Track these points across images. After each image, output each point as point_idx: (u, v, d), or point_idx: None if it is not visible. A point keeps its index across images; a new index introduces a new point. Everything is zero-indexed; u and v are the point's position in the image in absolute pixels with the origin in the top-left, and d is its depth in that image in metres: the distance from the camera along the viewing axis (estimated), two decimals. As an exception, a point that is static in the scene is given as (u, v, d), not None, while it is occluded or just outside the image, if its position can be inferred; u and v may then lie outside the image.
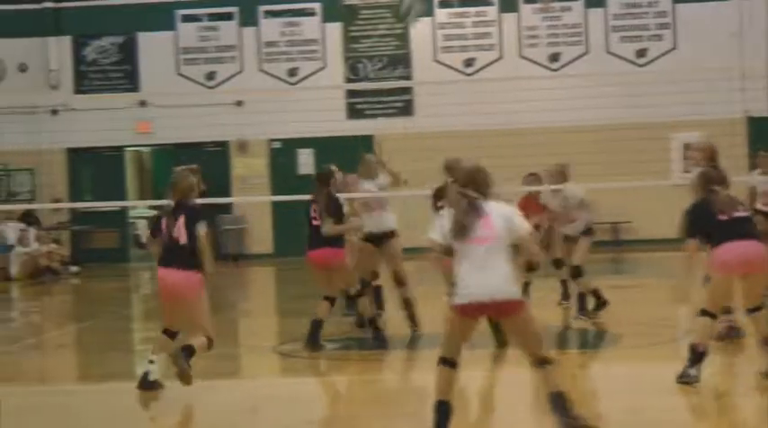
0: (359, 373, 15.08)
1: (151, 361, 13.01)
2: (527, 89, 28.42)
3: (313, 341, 15.38)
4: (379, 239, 16.77)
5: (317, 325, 15.36)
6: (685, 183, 15.23)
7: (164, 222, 12.76)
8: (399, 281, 16.79)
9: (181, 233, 12.59)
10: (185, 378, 12.34)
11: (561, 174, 18.76)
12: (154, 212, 32.61)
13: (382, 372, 15.49)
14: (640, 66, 31.24)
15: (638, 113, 27.71)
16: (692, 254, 12.76)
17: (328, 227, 15.58)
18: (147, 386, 13.03)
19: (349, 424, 12.20)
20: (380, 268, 17.01)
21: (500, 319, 10.48)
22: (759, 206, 18.42)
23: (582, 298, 17.46)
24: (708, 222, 12.55)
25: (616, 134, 27.41)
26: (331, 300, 15.65)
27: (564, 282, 18.68)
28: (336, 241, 15.71)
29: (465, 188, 10.13)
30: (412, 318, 16.80)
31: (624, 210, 28.46)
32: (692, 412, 12.43)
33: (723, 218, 12.56)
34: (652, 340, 15.86)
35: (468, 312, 9.93)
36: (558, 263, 18.61)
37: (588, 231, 17.72)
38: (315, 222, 15.84)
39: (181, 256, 12.63)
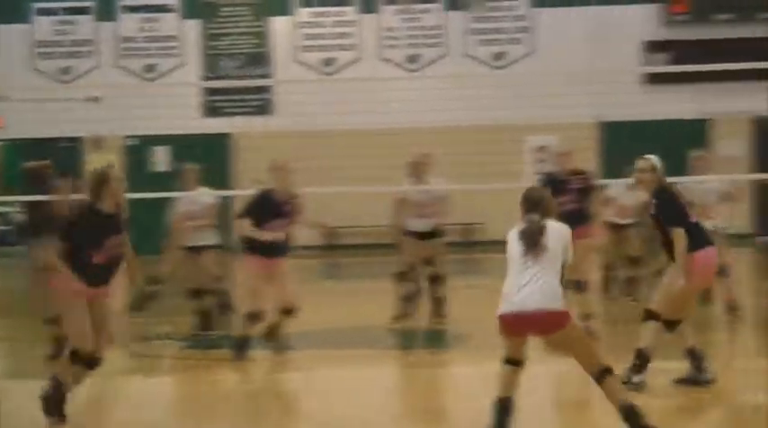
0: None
1: None
2: (386, 90, 28.32)
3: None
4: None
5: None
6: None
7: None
8: None
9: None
10: None
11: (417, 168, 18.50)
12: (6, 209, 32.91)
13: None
14: (498, 69, 31.46)
15: (494, 116, 27.36)
16: None
17: None
18: None
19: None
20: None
21: None
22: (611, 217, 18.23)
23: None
24: None
25: (472, 136, 27.64)
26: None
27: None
28: None
29: None
30: None
31: (478, 212, 28.61)
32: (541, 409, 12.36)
33: None
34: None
35: None
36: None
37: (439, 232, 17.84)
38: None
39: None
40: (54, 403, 11.72)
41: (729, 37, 30.56)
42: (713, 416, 12.57)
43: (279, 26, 32.16)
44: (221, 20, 32.14)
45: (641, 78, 30.57)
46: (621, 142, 28.53)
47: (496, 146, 27.09)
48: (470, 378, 14.04)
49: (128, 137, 30.93)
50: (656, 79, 30.29)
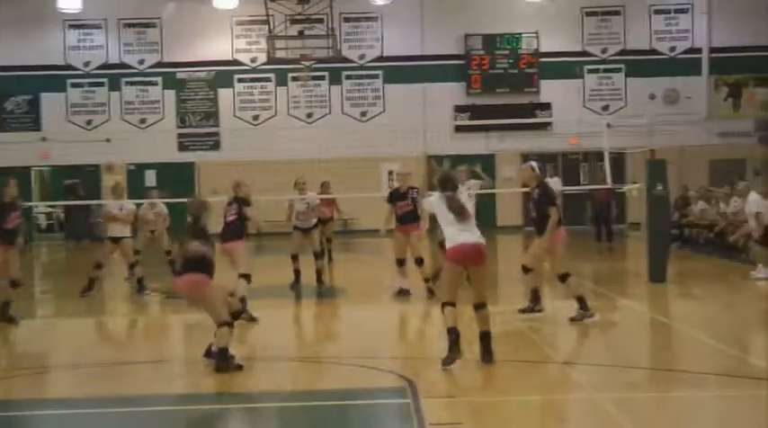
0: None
1: None
2: (292, 135, 29.21)
3: None
4: None
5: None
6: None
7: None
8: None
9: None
10: None
11: (324, 186, 20.56)
12: (50, 210, 33.53)
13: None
14: (363, 122, 31.83)
15: (361, 151, 27.37)
16: None
17: None
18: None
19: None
20: None
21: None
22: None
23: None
24: None
25: (348, 164, 27.03)
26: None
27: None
28: None
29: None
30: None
31: (353, 211, 28.26)
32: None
33: None
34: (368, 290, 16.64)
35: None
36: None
37: (317, 225, 17.66)
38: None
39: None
40: None
41: (506, 103, 31.44)
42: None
43: (224, 94, 32.18)
44: (188, 90, 32.17)
45: (452, 128, 31.04)
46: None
47: (362, 170, 27.16)
48: (347, 315, 14.59)
49: (129, 164, 31.23)
50: (460, 128, 30.94)
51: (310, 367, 10.36)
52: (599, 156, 22.68)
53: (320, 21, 29.48)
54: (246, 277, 13.39)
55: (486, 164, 29.33)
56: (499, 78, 32.13)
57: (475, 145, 30.80)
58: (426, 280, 15.47)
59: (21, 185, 29.84)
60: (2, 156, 30.43)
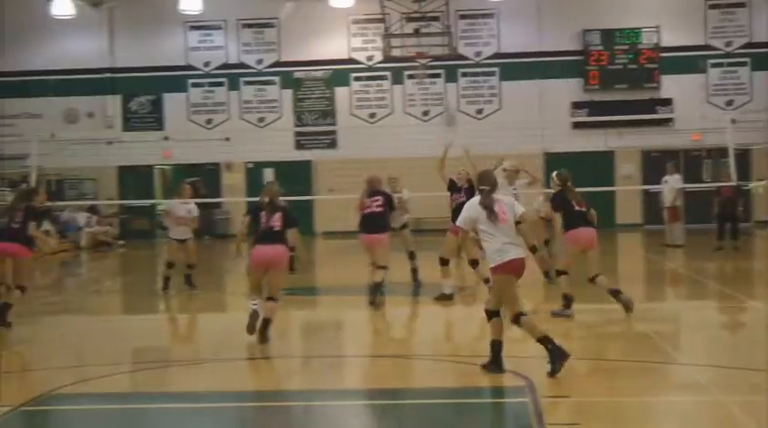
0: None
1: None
2: (409, 133, 29.15)
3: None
4: None
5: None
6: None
7: (263, 215, 11.70)
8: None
9: (276, 222, 11.51)
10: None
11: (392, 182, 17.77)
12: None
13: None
14: (479, 119, 31.60)
15: (477, 149, 26.41)
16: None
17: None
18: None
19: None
20: None
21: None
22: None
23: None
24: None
25: (463, 162, 26.34)
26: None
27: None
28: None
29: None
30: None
31: None
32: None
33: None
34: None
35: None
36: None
37: (405, 225, 16.93)
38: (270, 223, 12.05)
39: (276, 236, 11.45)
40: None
41: (625, 99, 30.75)
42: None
43: (340, 93, 32.26)
44: (305, 89, 32.33)
45: (570, 124, 30.74)
46: (558, 165, 30.57)
47: (482, 166, 26.82)
48: (451, 314, 14.06)
49: (248, 162, 31.58)
50: (578, 125, 30.56)
51: (425, 365, 10.34)
52: (723, 152, 22.17)
53: (436, 18, 29.40)
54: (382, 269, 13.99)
55: (604, 162, 30.43)
56: (618, 74, 31.62)
57: (593, 142, 30.61)
58: (486, 281, 14.13)
59: (144, 183, 31.67)
60: (126, 155, 31.47)
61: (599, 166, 29.89)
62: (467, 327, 13.00)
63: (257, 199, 17.42)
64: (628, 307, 12.61)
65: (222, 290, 18.25)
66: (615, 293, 12.72)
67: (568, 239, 12.84)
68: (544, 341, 9.20)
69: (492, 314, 9.51)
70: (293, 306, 14.76)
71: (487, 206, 9.40)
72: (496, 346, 9.41)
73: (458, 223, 9.81)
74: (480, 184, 9.61)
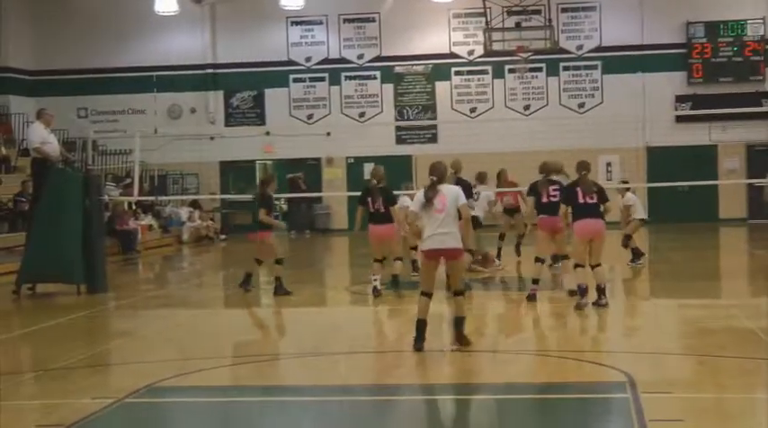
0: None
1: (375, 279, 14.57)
2: (510, 127, 29.30)
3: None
4: None
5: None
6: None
7: (370, 198, 14.73)
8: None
9: (380, 205, 14.59)
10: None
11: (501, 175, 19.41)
12: (275, 203, 34.29)
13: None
14: (581, 113, 31.43)
15: (576, 143, 26.36)
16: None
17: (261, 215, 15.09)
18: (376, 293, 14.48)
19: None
20: None
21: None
22: None
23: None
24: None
25: (565, 156, 24.32)
26: None
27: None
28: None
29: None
30: None
31: None
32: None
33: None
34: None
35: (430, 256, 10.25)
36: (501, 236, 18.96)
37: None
38: (376, 206, 14.76)
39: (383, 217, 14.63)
40: None
41: (729, 92, 30.41)
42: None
43: (441, 87, 32.30)
44: (405, 84, 32.48)
45: (673, 118, 30.42)
46: (660, 159, 30.13)
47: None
48: (545, 309, 14.12)
49: (348, 157, 32.06)
50: (681, 119, 30.27)
51: (527, 359, 10.28)
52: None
53: (537, 12, 29.28)
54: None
55: (707, 156, 29.94)
56: (722, 67, 31.19)
57: (697, 136, 30.30)
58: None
59: (246, 178, 32.01)
60: (229, 149, 32.08)
61: (702, 160, 29.51)
62: (559, 323, 12.83)
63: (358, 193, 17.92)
64: (599, 304, 12.80)
65: (323, 285, 18.32)
66: (601, 290, 12.84)
67: (575, 230, 12.91)
68: (419, 323, 10.18)
69: (423, 294, 10.37)
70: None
71: (428, 196, 10.18)
72: (420, 325, 10.20)
73: (411, 208, 10.62)
74: (429, 174, 10.36)
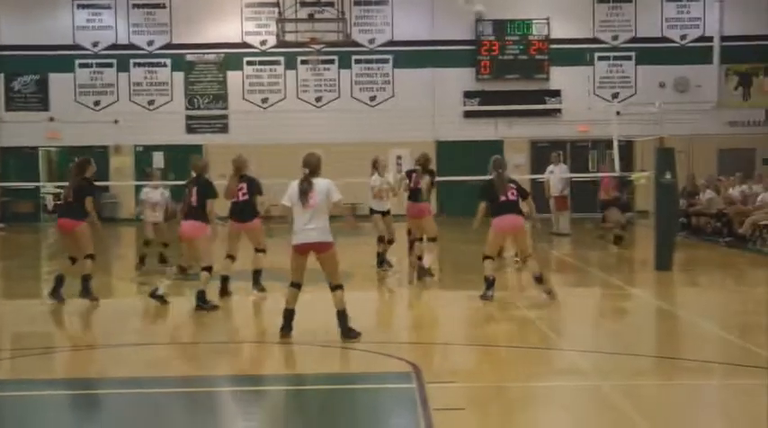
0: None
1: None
2: (302, 119, 29.00)
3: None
4: None
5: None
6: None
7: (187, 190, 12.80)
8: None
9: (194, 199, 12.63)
10: None
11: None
12: (58, 191, 33.21)
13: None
14: (372, 106, 31.73)
15: (368, 136, 27.31)
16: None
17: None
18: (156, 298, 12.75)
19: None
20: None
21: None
22: None
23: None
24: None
25: (356, 148, 25.48)
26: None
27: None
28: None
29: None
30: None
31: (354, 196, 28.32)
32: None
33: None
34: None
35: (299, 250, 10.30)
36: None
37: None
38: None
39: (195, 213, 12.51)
40: None
41: (515, 89, 31.09)
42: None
43: (233, 77, 32.13)
44: (196, 72, 32.17)
45: (461, 113, 31.00)
46: (449, 154, 30.39)
47: (371, 155, 26.67)
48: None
49: (137, 145, 31.42)
50: (469, 114, 30.64)
51: (313, 350, 10.27)
52: (608, 143, 22.60)
53: (330, 4, 29.37)
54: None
55: (494, 151, 30.49)
56: (509, 64, 32.09)
57: (484, 131, 30.84)
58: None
59: (28, 165, 30.81)
60: (10, 135, 30.93)
61: (489, 155, 29.64)
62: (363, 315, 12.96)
63: (146, 183, 17.46)
64: (551, 294, 13.09)
65: (110, 274, 17.88)
66: (539, 280, 13.11)
67: (493, 226, 13.15)
68: (339, 315, 10.30)
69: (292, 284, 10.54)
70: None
71: (302, 189, 10.24)
72: (287, 314, 10.40)
73: (282, 199, 10.47)
74: (303, 166, 10.38)
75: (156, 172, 19.34)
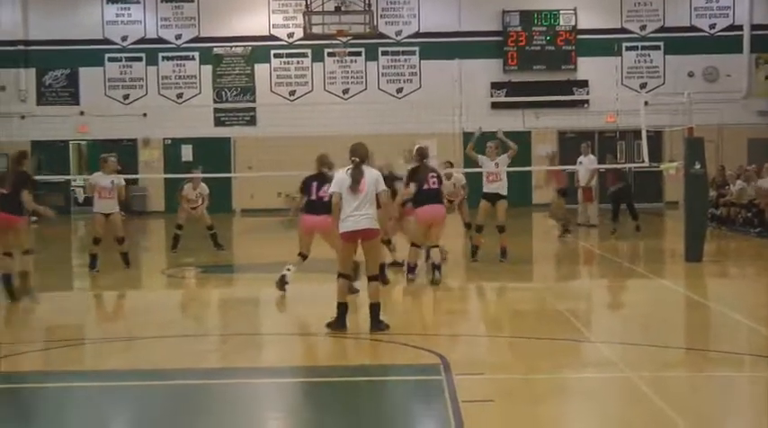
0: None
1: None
2: (329, 111, 28.98)
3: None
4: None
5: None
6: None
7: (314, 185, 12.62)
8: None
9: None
10: None
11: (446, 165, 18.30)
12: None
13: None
14: (399, 98, 31.74)
15: (394, 128, 26.28)
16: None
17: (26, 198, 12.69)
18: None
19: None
20: None
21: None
22: None
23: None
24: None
25: (383, 140, 25.66)
26: None
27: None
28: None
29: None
30: None
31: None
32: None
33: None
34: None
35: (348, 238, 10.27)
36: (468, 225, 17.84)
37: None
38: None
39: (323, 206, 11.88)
40: None
41: (542, 80, 31.21)
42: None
43: (260, 70, 32.26)
44: (224, 65, 32.28)
45: (488, 105, 30.81)
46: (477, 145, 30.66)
47: (397, 147, 27.06)
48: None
49: (165, 139, 31.62)
50: (496, 105, 30.74)
51: (342, 341, 10.28)
52: (636, 134, 22.47)
53: (357, -4, 29.45)
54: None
55: (521, 141, 30.38)
56: (536, 55, 32.04)
57: (511, 122, 29.87)
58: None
59: (59, 159, 31.06)
60: (41, 129, 31.01)
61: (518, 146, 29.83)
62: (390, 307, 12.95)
63: (175, 175, 17.52)
64: (435, 280, 13.56)
65: (139, 267, 17.96)
66: (435, 267, 13.56)
67: (417, 215, 13.58)
68: (340, 306, 10.24)
69: (340, 275, 10.44)
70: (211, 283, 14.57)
71: (354, 176, 10.22)
72: (341, 308, 10.28)
73: (331, 188, 10.50)
74: (351, 156, 10.36)
75: (199, 169, 19.93)
